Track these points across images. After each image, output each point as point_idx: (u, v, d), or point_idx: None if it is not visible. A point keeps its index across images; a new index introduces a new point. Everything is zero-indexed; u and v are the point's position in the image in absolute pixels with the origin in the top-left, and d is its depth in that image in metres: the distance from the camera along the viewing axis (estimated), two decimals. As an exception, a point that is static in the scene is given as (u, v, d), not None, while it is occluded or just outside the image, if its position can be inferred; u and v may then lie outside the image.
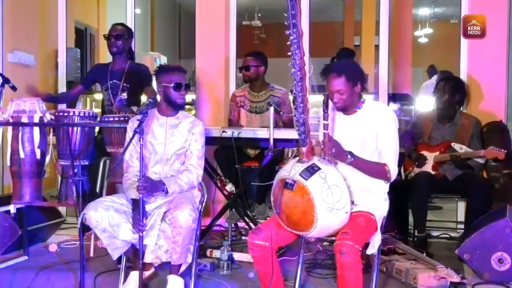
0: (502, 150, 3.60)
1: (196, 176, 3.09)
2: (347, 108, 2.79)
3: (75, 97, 4.34)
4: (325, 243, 3.67)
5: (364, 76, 2.84)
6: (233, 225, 3.97)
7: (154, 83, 3.95)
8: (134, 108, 3.72)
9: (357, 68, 2.80)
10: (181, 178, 3.04)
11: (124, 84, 4.01)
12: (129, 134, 3.10)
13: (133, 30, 4.60)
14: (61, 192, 3.52)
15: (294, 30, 2.44)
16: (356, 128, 2.76)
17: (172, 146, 3.09)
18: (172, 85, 3.05)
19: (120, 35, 4.03)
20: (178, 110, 3.15)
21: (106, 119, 3.51)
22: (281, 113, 4.21)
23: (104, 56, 6.62)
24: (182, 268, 3.00)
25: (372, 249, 2.71)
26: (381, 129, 2.71)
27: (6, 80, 3.60)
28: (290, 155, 4.27)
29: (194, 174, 3.09)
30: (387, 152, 2.70)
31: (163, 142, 3.10)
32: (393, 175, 2.71)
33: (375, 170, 2.70)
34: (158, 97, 3.21)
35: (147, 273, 3.13)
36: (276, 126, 3.91)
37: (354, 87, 2.73)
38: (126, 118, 3.34)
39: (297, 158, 2.63)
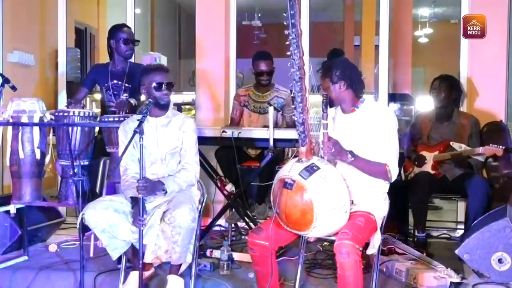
0: (501, 146, 3.60)
1: (193, 174, 3.09)
2: (338, 104, 2.79)
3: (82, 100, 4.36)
4: (325, 243, 3.67)
5: (351, 76, 2.79)
6: (233, 225, 3.97)
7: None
8: (132, 101, 3.71)
9: (339, 66, 2.76)
10: (179, 177, 3.03)
11: (126, 85, 4.00)
12: (122, 138, 3.11)
13: (133, 30, 4.60)
14: (61, 192, 3.51)
15: (293, 30, 2.44)
16: (354, 127, 2.76)
17: (164, 145, 3.09)
18: (153, 85, 3.06)
19: (134, 37, 4.03)
20: (165, 110, 3.15)
21: (106, 119, 3.51)
22: (280, 113, 4.21)
23: (104, 56, 6.60)
24: (182, 268, 3.00)
25: (372, 249, 2.71)
26: (381, 129, 2.70)
27: (6, 80, 3.60)
28: (290, 155, 4.27)
29: (191, 172, 3.08)
30: (387, 152, 2.69)
31: (155, 142, 3.10)
32: (394, 175, 2.71)
33: (375, 170, 2.70)
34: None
35: (147, 273, 3.13)
36: (278, 126, 3.92)
37: (335, 84, 2.73)
38: (126, 118, 3.34)
39: (297, 157, 2.63)
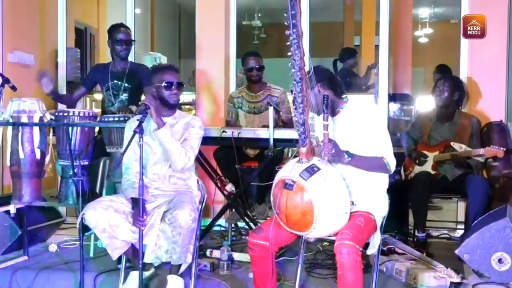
0: (502, 148, 3.60)
1: (188, 158, 3.03)
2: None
3: (78, 99, 4.36)
4: (325, 243, 3.67)
5: (331, 78, 2.80)
6: (233, 225, 3.97)
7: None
8: (133, 108, 3.72)
9: (316, 71, 2.73)
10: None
11: (126, 85, 4.01)
12: (127, 135, 3.11)
13: (133, 30, 4.60)
14: (61, 192, 3.52)
15: (294, 30, 2.44)
16: (342, 128, 2.75)
17: None
18: (163, 84, 3.05)
19: (129, 38, 4.04)
20: (173, 110, 3.15)
21: (106, 119, 3.51)
22: (280, 113, 4.21)
23: (104, 56, 6.63)
24: (182, 268, 3.00)
25: (372, 249, 2.71)
26: (368, 125, 2.70)
27: (6, 80, 3.59)
28: (290, 155, 4.27)
29: (187, 155, 3.04)
30: (381, 145, 2.69)
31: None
32: (392, 166, 2.70)
33: (373, 165, 2.70)
34: None
35: (147, 273, 3.13)
36: (275, 125, 3.92)
37: (314, 89, 2.69)
38: (126, 118, 3.34)
39: (297, 158, 2.63)
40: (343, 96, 2.82)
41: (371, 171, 2.71)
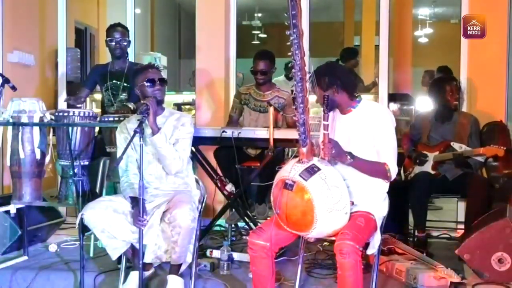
0: (502, 147, 3.60)
1: (181, 160, 3.05)
2: (335, 107, 2.77)
3: (85, 101, 4.39)
4: (325, 243, 3.67)
5: (341, 78, 2.76)
6: (233, 225, 3.97)
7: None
8: (131, 105, 3.72)
9: (326, 72, 2.73)
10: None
11: (125, 84, 4.02)
12: (119, 138, 3.12)
13: (133, 30, 4.59)
14: (61, 192, 3.52)
15: (294, 30, 2.44)
16: (350, 127, 2.75)
17: None
18: (145, 82, 3.05)
19: (123, 37, 4.04)
20: (161, 109, 3.13)
21: (106, 119, 3.51)
22: (280, 113, 4.20)
23: (104, 56, 6.62)
24: (182, 268, 3.00)
25: (372, 249, 2.71)
26: (378, 129, 2.69)
27: (6, 80, 3.59)
28: (290, 155, 4.27)
29: (180, 158, 3.06)
30: (386, 151, 2.68)
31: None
32: (393, 174, 2.70)
33: (375, 170, 2.69)
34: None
35: (147, 273, 3.13)
36: (277, 126, 3.91)
37: (326, 91, 2.69)
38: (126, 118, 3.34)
39: (297, 158, 2.63)
40: (356, 95, 2.81)
41: (370, 176, 2.71)
